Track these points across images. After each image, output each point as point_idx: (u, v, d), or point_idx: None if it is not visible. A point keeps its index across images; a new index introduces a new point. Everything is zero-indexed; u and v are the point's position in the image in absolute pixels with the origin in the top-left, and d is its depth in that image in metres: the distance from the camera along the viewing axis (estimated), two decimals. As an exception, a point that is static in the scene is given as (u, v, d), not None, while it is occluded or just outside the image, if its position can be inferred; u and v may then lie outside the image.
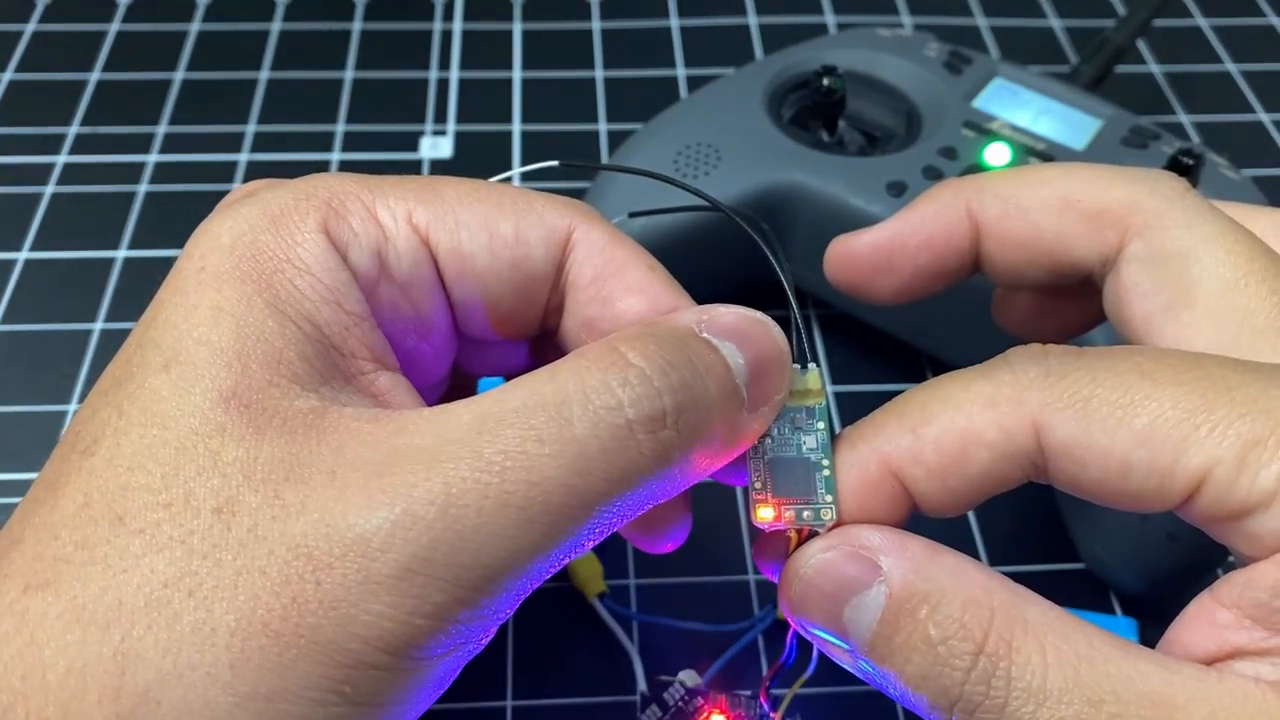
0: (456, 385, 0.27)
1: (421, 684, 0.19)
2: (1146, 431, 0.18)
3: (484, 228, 0.23)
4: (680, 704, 0.26)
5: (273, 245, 0.21)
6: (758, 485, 0.22)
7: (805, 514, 0.21)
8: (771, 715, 0.26)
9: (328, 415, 0.20)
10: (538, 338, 0.25)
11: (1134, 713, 0.17)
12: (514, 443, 0.19)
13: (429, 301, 0.23)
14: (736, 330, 0.21)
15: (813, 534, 0.21)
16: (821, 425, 0.22)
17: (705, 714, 0.26)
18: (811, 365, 0.22)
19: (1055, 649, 0.17)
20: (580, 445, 0.19)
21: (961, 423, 0.20)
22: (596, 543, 0.20)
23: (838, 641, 0.20)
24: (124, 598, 0.18)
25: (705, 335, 0.21)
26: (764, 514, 0.21)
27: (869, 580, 0.19)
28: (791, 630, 0.22)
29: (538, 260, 0.23)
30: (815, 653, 0.22)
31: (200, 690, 0.18)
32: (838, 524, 0.21)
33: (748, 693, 0.27)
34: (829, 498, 0.21)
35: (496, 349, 0.26)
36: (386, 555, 0.18)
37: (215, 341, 0.20)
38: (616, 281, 0.23)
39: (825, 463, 0.22)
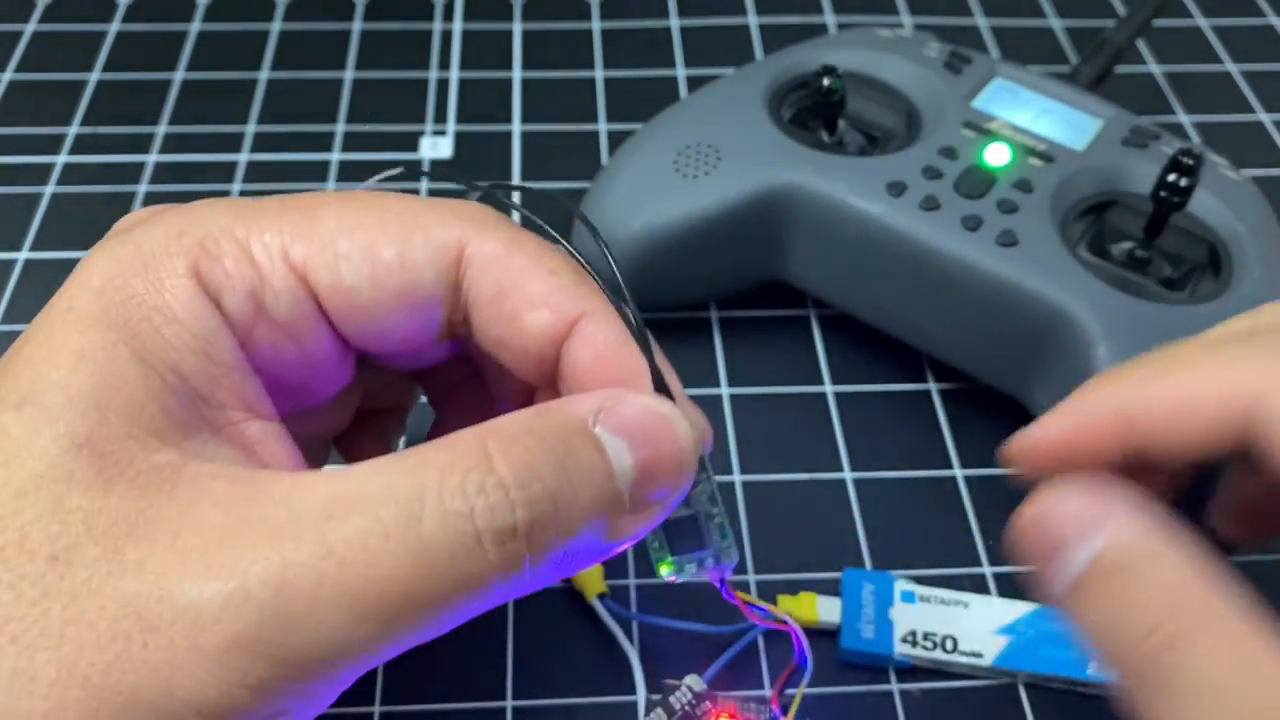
0: (386, 390, 0.27)
1: None
2: None
3: (365, 258, 0.22)
4: (688, 709, 0.26)
5: (141, 290, 0.21)
6: (655, 544, 0.22)
7: (708, 562, 0.22)
8: (781, 718, 0.26)
9: (184, 472, 0.19)
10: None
11: None
12: (358, 533, 0.18)
13: (313, 338, 0.22)
14: (634, 427, 0.20)
15: (723, 581, 0.22)
16: (704, 475, 0.22)
17: (714, 718, 0.26)
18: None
19: (1233, 653, 0.18)
20: (425, 547, 0.18)
21: (1193, 380, 0.20)
22: (446, 631, 0.20)
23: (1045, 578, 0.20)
24: None
25: (597, 430, 0.20)
26: (664, 571, 0.22)
27: (1086, 534, 0.19)
28: (796, 634, 0.23)
29: (427, 285, 0.22)
30: (809, 655, 0.23)
31: None
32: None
33: (758, 693, 0.27)
34: (725, 542, 0.22)
35: (417, 358, 0.25)
36: (216, 627, 0.18)
37: (73, 386, 0.19)
38: (517, 296, 0.22)
39: (715, 511, 0.22)
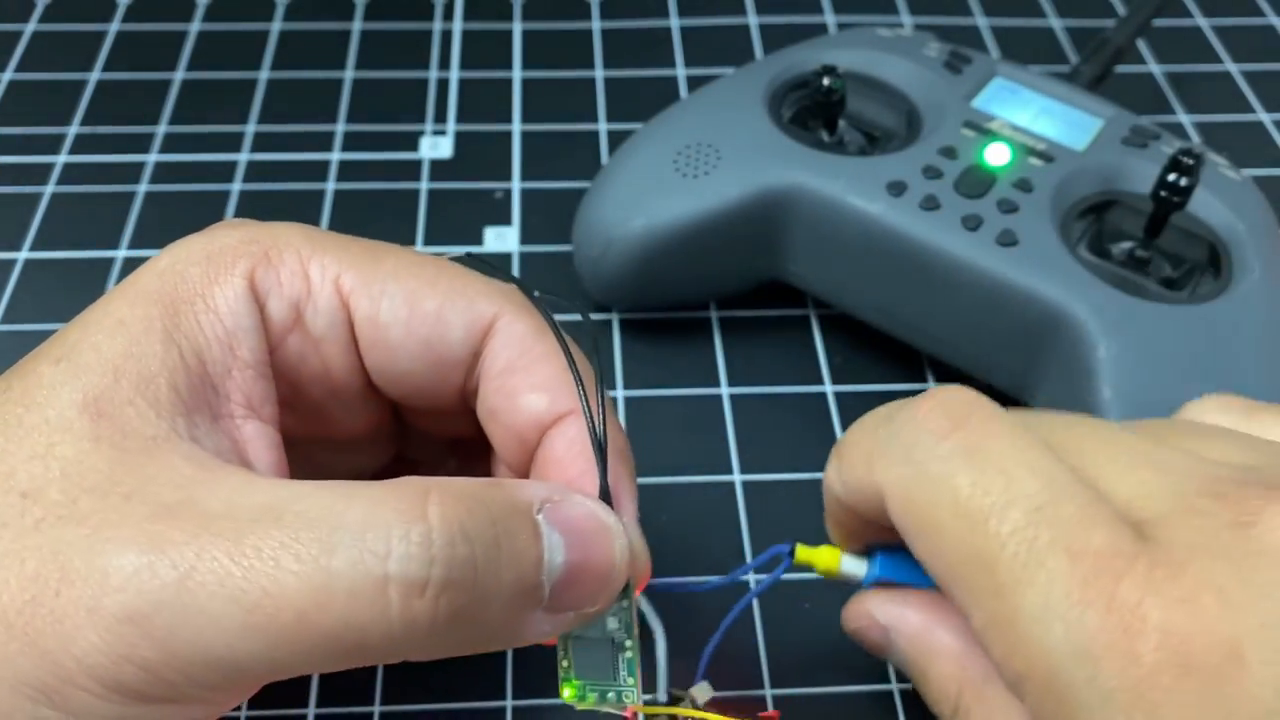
0: (405, 439, 0.28)
1: None
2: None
3: (407, 303, 0.23)
4: None
5: (195, 277, 0.22)
6: (564, 663, 0.22)
7: (609, 695, 0.22)
8: None
9: (163, 445, 0.20)
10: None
11: None
12: (272, 547, 0.18)
13: (340, 360, 0.24)
14: (575, 527, 0.21)
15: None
16: (626, 603, 0.22)
17: None
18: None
19: (1006, 713, 0.22)
20: (329, 578, 0.18)
21: (851, 474, 0.23)
22: (335, 670, 0.20)
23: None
24: None
25: (539, 518, 0.20)
26: (567, 694, 0.22)
27: (886, 645, 0.25)
28: None
29: (454, 343, 0.23)
30: None
31: None
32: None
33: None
34: (630, 680, 0.22)
35: (432, 419, 0.26)
36: (117, 595, 0.18)
37: (104, 349, 0.21)
38: (524, 376, 0.23)
39: (628, 644, 0.22)
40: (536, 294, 0.25)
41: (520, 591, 0.20)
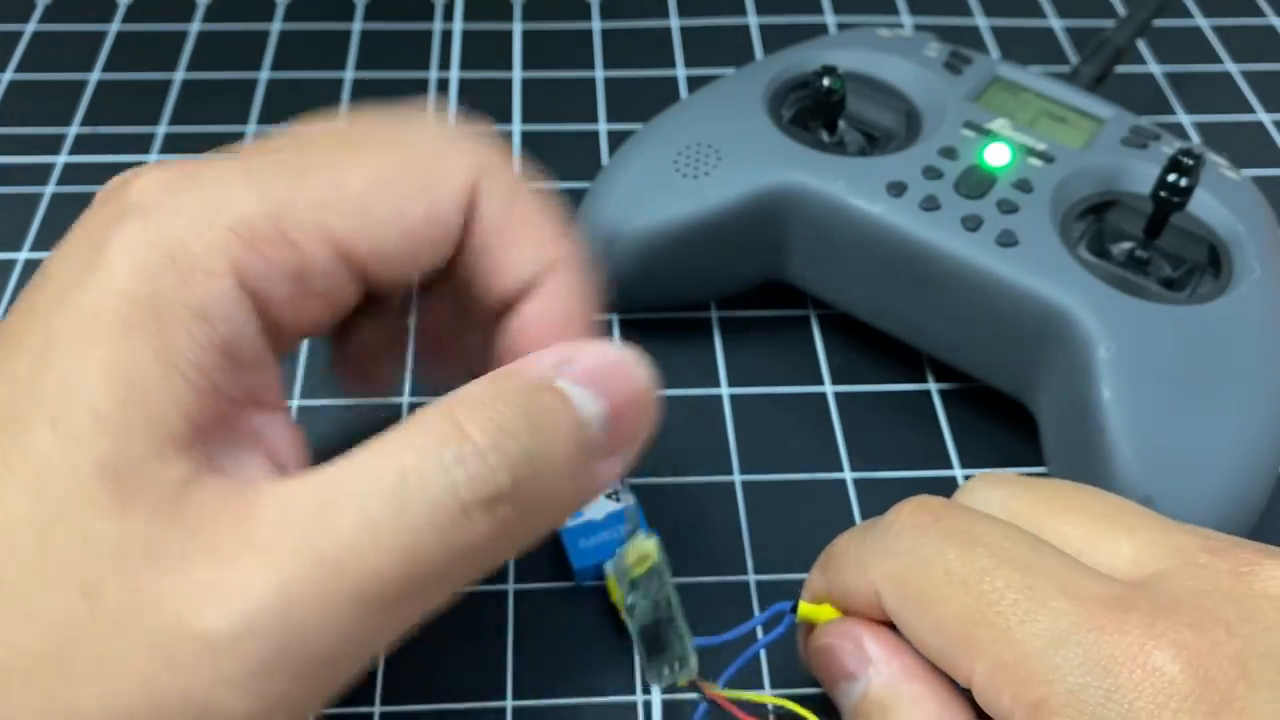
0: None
1: None
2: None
3: (399, 218, 0.22)
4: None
5: (171, 287, 0.20)
6: (639, 655, 0.25)
7: (679, 668, 0.25)
8: None
9: (190, 492, 0.19)
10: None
11: None
12: (350, 535, 0.19)
13: (343, 292, 0.23)
14: (595, 374, 0.21)
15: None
16: (664, 582, 0.26)
17: None
18: (641, 532, 0.24)
19: None
20: (415, 533, 0.19)
21: (841, 579, 0.24)
22: (454, 598, 0.21)
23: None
24: None
25: (559, 385, 0.21)
26: (650, 680, 0.25)
27: (858, 674, 0.23)
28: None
29: (452, 230, 0.23)
30: None
31: None
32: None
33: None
34: (687, 643, 0.25)
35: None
36: (233, 657, 0.18)
37: (99, 406, 0.19)
38: (509, 234, 0.24)
39: (674, 616, 0.25)
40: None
41: (578, 452, 0.21)
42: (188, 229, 0.21)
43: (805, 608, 0.25)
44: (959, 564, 0.21)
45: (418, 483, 0.19)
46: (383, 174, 0.22)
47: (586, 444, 0.21)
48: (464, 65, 0.47)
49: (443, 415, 0.20)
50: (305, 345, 0.36)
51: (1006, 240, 0.32)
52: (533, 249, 0.23)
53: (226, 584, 0.19)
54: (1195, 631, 0.19)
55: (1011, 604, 0.20)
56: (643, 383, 0.22)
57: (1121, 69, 0.42)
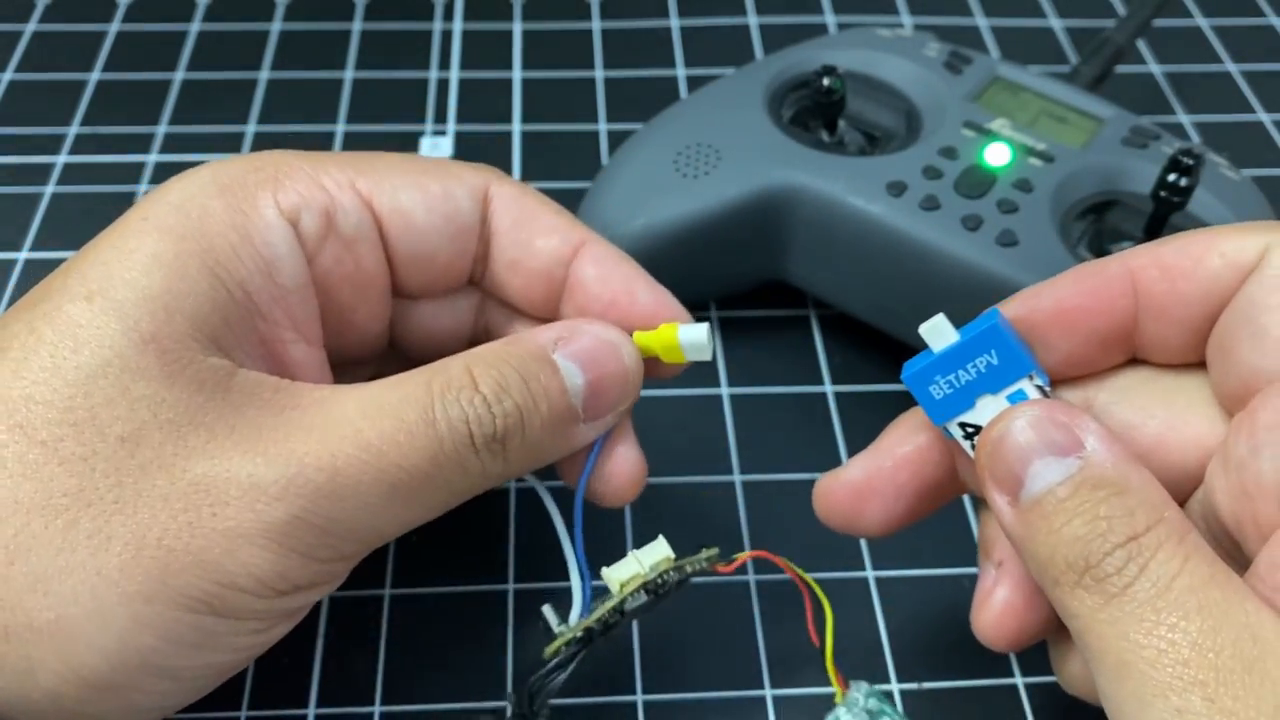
0: (390, 358, 0.29)
1: (279, 611, 0.23)
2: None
3: (417, 188, 0.26)
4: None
5: (219, 210, 0.23)
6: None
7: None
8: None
9: (235, 377, 0.22)
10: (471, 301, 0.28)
11: (1232, 643, 0.18)
12: (390, 431, 0.22)
13: (371, 256, 0.25)
14: (585, 353, 0.24)
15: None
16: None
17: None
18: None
19: (1195, 568, 0.19)
20: (440, 443, 0.22)
21: (1205, 234, 0.23)
22: (446, 511, 0.24)
23: (998, 496, 0.21)
24: (20, 498, 0.20)
25: (555, 356, 0.24)
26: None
27: (1070, 450, 0.21)
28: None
29: (466, 212, 0.26)
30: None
31: (89, 585, 0.20)
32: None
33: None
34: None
35: (431, 310, 0.28)
36: (279, 504, 0.21)
37: (145, 286, 0.22)
38: (532, 225, 0.26)
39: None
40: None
41: (558, 417, 0.24)
42: (236, 172, 0.24)
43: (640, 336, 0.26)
44: None
45: (442, 409, 0.22)
46: (405, 165, 0.26)
47: (567, 410, 0.24)
48: (464, 65, 0.47)
49: (461, 366, 0.23)
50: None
51: (1006, 240, 0.32)
52: (555, 233, 0.26)
53: (275, 450, 0.21)
54: None
55: None
56: (625, 363, 0.25)
57: (1121, 69, 0.42)
